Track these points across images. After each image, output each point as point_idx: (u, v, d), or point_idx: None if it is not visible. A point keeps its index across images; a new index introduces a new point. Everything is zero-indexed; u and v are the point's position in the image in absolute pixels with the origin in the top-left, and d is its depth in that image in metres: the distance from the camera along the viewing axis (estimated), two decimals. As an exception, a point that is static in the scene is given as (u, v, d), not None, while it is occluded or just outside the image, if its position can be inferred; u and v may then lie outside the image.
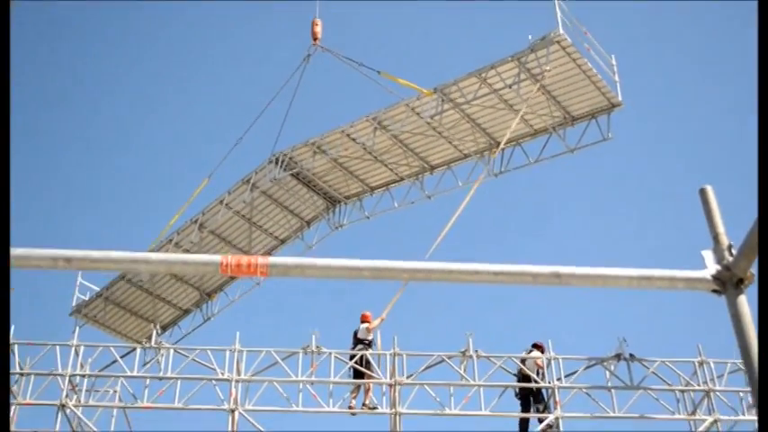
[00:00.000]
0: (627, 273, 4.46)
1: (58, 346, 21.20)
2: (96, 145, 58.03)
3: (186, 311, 32.53)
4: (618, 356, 21.13)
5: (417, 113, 27.09)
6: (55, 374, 20.93)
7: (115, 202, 57.59)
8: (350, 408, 21.13)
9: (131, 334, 31.37)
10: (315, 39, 29.07)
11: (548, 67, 24.80)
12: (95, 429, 20.69)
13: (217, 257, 4.38)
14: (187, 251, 30.44)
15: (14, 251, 4.28)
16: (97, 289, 30.70)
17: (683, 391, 21.17)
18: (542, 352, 21.66)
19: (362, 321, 22.26)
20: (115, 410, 21.74)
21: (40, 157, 54.34)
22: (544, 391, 21.29)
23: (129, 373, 21.06)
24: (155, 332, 21.89)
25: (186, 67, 60.67)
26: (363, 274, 4.33)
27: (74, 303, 30.52)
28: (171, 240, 30.07)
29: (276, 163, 28.57)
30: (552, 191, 52.96)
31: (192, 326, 32.39)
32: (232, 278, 31.95)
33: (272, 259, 4.40)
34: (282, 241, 31.60)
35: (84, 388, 21.25)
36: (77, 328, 22.34)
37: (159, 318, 31.11)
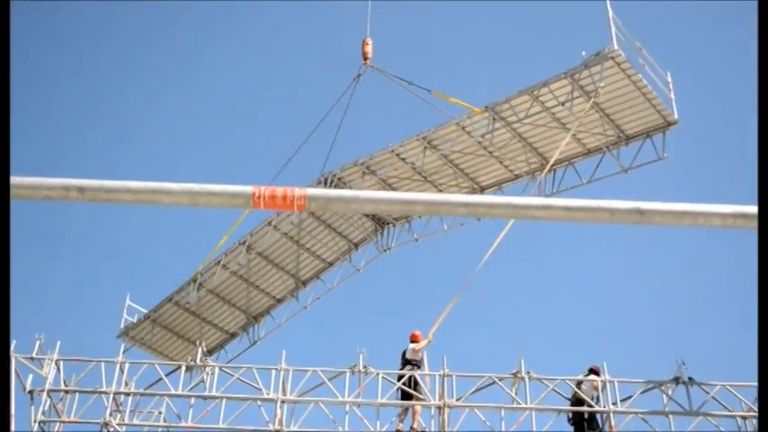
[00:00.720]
0: (719, 210, 3.83)
1: (102, 363, 20.79)
2: (143, 166, 57.90)
3: (233, 335, 32.07)
4: (676, 380, 20.29)
5: (468, 132, 26.52)
6: (99, 392, 20.52)
7: (165, 224, 57.39)
8: (397, 431, 20.44)
9: (178, 357, 30.91)
10: (365, 58, 28.64)
11: (602, 84, 24.11)
12: (138, 449, 20.16)
13: (248, 188, 3.85)
14: (235, 273, 30.05)
15: (23, 180, 3.75)
16: (145, 311, 30.31)
17: (744, 418, 20.19)
18: (598, 376, 20.86)
19: (411, 341, 21.62)
20: (159, 430, 21.19)
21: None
22: (599, 416, 20.43)
23: (173, 392, 20.56)
24: (200, 350, 21.35)
25: (234, 85, 60.56)
26: (416, 208, 3.77)
27: (122, 325, 30.14)
28: (219, 262, 29.64)
29: (325, 183, 28.07)
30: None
31: (238, 350, 31.86)
32: (279, 301, 31.50)
33: (310, 191, 3.84)
34: (330, 264, 31.06)
35: (129, 407, 20.80)
36: (122, 348, 21.79)
37: (206, 341, 30.61)
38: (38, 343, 20.83)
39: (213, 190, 4.07)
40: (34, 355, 20.71)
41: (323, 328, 42.98)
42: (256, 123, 58.81)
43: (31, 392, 20.45)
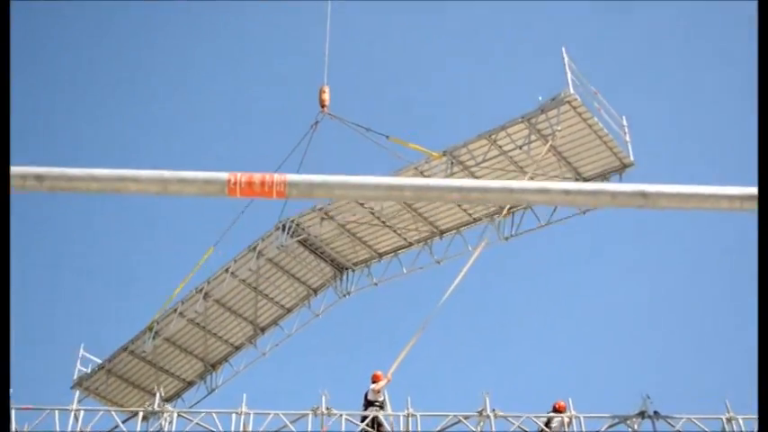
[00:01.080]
0: (727, 192, 3.59)
1: (57, 412, 20.14)
2: (98, 211, 56.95)
3: (190, 383, 31.41)
4: (642, 414, 20.08)
5: (426, 177, 26.28)
6: (54, 441, 19.87)
7: (119, 272, 56.41)
8: None
9: (134, 407, 30.19)
10: (323, 106, 28.42)
11: (558, 128, 24.10)
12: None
13: (224, 175, 3.54)
14: (192, 320, 29.50)
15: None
16: (99, 361, 29.59)
17: (710, 451, 20.07)
18: (563, 412, 20.58)
19: (373, 381, 21.21)
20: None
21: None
22: None
23: (135, 437, 19.99)
24: (158, 396, 20.76)
25: (189, 129, 59.97)
26: (405, 194, 3.48)
27: (75, 376, 29.40)
28: (176, 310, 29.08)
29: (283, 230, 27.75)
30: (564, 253, 51.88)
31: (196, 398, 31.19)
32: (237, 348, 30.97)
33: (290, 176, 3.54)
34: (289, 310, 30.61)
35: (85, 455, 20.13)
36: (77, 397, 21.20)
37: (163, 389, 29.90)
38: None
39: (185, 177, 3.75)
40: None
41: (282, 375, 42.30)
42: (217, 167, 58.11)
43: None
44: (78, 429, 20.05)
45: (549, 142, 24.56)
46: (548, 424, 20.41)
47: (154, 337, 29.14)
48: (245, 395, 20.17)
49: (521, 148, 25.08)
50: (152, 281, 53.46)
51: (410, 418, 19.96)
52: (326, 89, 28.34)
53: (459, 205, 27.55)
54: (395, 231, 28.59)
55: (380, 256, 29.55)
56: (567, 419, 20.21)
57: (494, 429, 19.94)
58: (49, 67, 56.49)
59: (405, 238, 28.95)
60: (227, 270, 28.64)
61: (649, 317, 51.76)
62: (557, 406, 20.86)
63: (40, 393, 36.72)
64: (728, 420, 20.25)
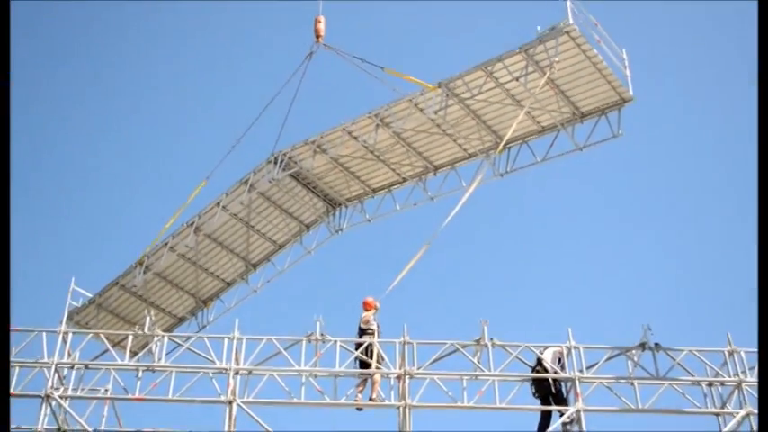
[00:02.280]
0: None
1: (44, 334, 19.10)
2: (90, 146, 55.78)
3: (181, 319, 30.42)
4: (642, 346, 19.16)
5: (421, 110, 25.19)
6: (40, 364, 18.80)
7: (111, 205, 55.30)
8: (356, 400, 18.99)
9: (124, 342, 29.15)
10: (318, 36, 27.32)
11: (556, 59, 22.91)
12: (83, 423, 18.40)
13: None
14: (182, 255, 28.42)
15: None
16: (90, 295, 28.46)
17: (710, 384, 19.15)
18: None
19: (365, 309, 20.20)
20: (106, 404, 19.55)
21: (28, 158, 51.92)
22: (564, 391, 19.11)
23: (119, 362, 18.92)
24: (148, 320, 19.66)
25: (184, 65, 58.85)
26: None
27: (66, 310, 28.27)
28: (166, 244, 27.98)
29: (275, 163, 26.63)
30: (561, 188, 51.08)
31: (187, 334, 30.07)
32: (228, 284, 29.93)
33: None
34: (281, 246, 29.53)
35: (72, 381, 19.04)
36: (65, 317, 20.18)
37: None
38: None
39: None
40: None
41: (274, 312, 41.37)
42: (209, 104, 57.02)
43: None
44: (67, 351, 18.95)
45: (547, 74, 23.38)
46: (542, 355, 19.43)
47: (144, 272, 28.06)
48: (237, 320, 19.13)
49: (517, 80, 23.91)
50: (145, 213, 52.39)
51: (406, 346, 18.96)
52: (322, 19, 27.26)
53: (455, 140, 26.47)
54: (388, 166, 27.52)
55: (374, 191, 28.51)
56: (564, 350, 19.22)
57: (491, 358, 18.96)
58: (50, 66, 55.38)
59: (398, 174, 27.89)
60: (218, 204, 27.56)
61: (651, 251, 50.98)
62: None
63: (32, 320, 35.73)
64: (730, 354, 19.35)
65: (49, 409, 18.43)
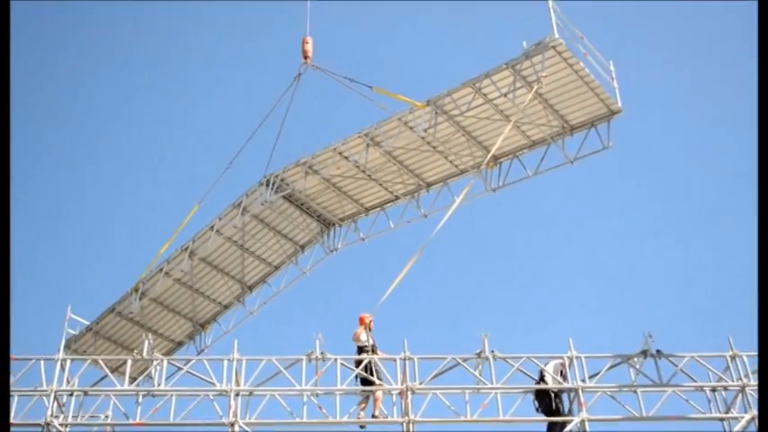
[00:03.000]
0: None
1: (42, 362, 18.60)
2: (79, 173, 55.25)
3: (179, 344, 29.88)
4: (644, 353, 18.82)
5: (411, 128, 24.81)
6: (39, 392, 18.34)
7: (104, 230, 54.72)
8: (358, 418, 18.55)
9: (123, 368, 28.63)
10: (305, 57, 26.97)
11: (544, 74, 22.60)
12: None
13: None
14: (178, 280, 27.95)
15: None
16: (87, 323, 27.92)
17: (713, 389, 18.80)
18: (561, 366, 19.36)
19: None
20: (107, 429, 19.04)
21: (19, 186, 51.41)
22: (564, 407, 18.71)
23: (119, 388, 18.44)
24: (146, 344, 19.19)
25: (174, 90, 58.30)
26: None
27: (63, 338, 27.73)
28: (161, 270, 27.49)
29: (267, 185, 26.22)
30: (554, 201, 50.82)
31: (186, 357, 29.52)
32: (225, 307, 29.45)
33: None
34: (276, 267, 29.10)
35: (71, 409, 18.57)
36: (62, 345, 19.71)
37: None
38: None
39: None
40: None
41: (271, 333, 40.84)
42: (200, 128, 56.64)
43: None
44: (66, 379, 18.47)
45: (534, 89, 23.06)
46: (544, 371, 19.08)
47: (140, 298, 27.55)
48: (236, 341, 18.66)
49: (505, 95, 23.57)
50: (138, 239, 51.88)
51: (407, 362, 18.56)
52: (309, 40, 26.96)
53: (446, 156, 26.10)
54: (380, 185, 27.13)
55: (367, 210, 28.09)
56: (567, 361, 18.83)
57: (493, 371, 18.56)
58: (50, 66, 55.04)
59: (391, 192, 27.49)
60: (212, 228, 27.10)
61: (648, 259, 50.69)
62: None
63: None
64: (732, 358, 19.00)
65: (46, 436, 17.89)
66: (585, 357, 18.73)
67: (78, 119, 56.37)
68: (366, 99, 25.83)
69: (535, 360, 18.87)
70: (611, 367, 18.87)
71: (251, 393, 18.43)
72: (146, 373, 19.30)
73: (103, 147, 56.26)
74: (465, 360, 18.84)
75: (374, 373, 18.82)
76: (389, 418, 18.40)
